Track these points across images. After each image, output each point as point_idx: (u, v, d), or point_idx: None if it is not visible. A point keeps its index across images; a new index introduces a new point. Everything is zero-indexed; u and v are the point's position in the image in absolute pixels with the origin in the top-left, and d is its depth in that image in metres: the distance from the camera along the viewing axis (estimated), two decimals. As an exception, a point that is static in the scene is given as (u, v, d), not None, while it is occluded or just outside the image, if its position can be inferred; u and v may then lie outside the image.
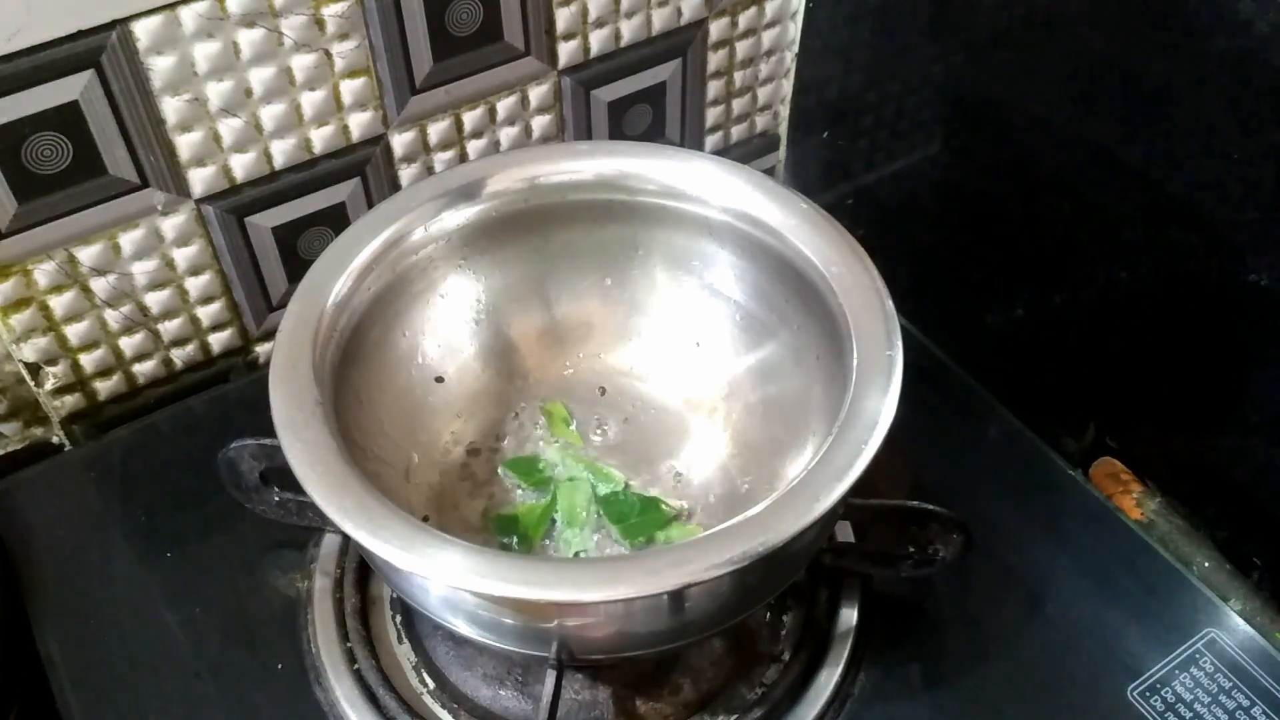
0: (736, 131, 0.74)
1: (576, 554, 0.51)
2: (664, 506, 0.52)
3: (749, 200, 0.51)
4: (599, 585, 0.38)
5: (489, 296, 0.56)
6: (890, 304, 0.46)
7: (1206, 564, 0.55)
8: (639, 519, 0.52)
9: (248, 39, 0.52)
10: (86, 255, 0.55)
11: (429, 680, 0.50)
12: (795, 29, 0.70)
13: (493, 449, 0.55)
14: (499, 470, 0.54)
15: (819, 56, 0.70)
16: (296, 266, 0.62)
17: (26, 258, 0.54)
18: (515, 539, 0.52)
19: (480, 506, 0.53)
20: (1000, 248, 0.62)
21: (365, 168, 0.60)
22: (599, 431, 0.56)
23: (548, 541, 0.52)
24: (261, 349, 0.64)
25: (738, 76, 0.71)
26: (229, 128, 0.55)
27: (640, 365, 0.58)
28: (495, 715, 0.49)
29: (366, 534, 0.39)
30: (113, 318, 0.58)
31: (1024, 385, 0.62)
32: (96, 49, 0.49)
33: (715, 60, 0.69)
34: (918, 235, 0.68)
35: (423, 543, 0.39)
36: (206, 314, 0.61)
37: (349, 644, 0.50)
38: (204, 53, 0.52)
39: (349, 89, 0.57)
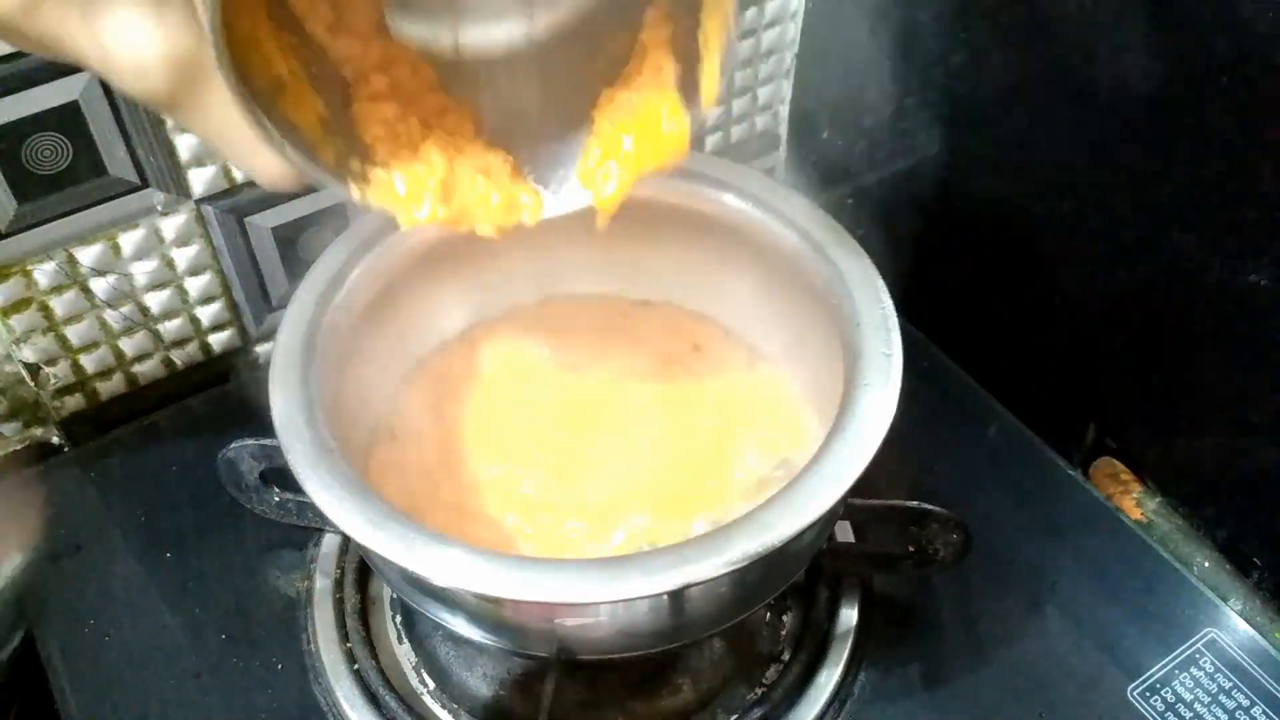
0: (736, 131, 0.74)
1: None
2: None
3: (749, 200, 0.51)
4: (599, 585, 0.38)
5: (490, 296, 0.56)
6: (890, 304, 0.46)
7: (1206, 564, 0.55)
8: None
9: (248, 39, 0.52)
10: (86, 255, 0.55)
11: (429, 680, 0.50)
12: (795, 29, 0.70)
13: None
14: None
15: (819, 56, 0.70)
16: (296, 266, 0.62)
17: (26, 258, 0.54)
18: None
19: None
20: (1000, 248, 0.62)
21: (365, 168, 0.60)
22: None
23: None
24: (261, 349, 0.64)
25: (738, 76, 0.70)
26: (229, 128, 0.55)
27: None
28: (495, 715, 0.49)
29: (366, 534, 0.39)
30: (113, 318, 0.58)
31: (1024, 385, 0.62)
32: (96, 49, 0.49)
33: (715, 60, 0.69)
34: (918, 235, 0.68)
35: (423, 543, 0.39)
36: (206, 314, 0.61)
37: (349, 644, 0.50)
38: (204, 53, 0.52)
39: (349, 89, 0.57)
